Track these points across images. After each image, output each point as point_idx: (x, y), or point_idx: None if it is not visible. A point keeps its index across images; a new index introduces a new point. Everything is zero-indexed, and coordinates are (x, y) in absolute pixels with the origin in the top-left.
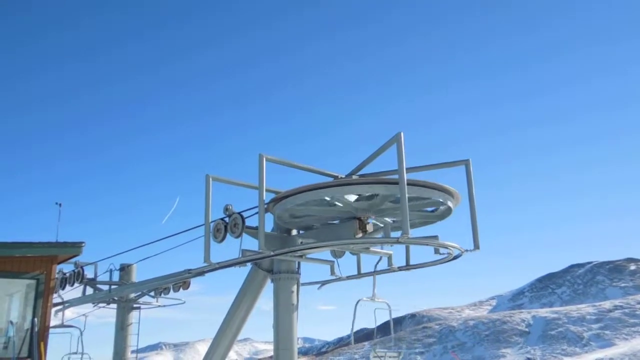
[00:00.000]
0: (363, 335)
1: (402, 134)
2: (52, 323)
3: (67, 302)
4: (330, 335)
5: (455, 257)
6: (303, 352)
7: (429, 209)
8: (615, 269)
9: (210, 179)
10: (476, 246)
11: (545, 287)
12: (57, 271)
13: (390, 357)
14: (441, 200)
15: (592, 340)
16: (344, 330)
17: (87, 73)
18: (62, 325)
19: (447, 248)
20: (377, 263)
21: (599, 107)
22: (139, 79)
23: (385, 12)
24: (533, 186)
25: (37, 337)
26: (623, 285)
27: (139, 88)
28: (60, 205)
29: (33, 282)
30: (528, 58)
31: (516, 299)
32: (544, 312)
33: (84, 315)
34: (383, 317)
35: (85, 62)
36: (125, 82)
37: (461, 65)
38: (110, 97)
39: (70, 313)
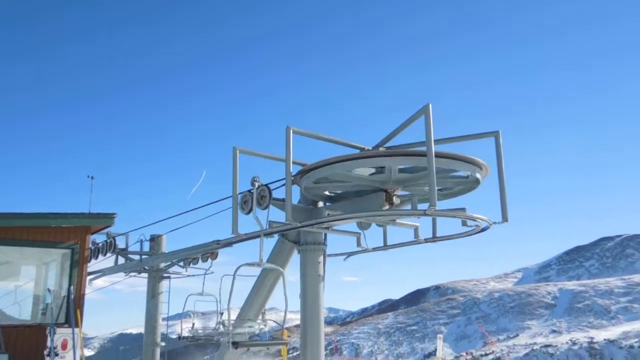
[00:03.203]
0: (388, 306)
1: (430, 105)
2: (86, 291)
3: (100, 271)
4: (354, 306)
5: (483, 230)
6: (328, 322)
7: (443, 187)
8: None
9: (238, 152)
10: (505, 219)
11: (573, 260)
12: (90, 241)
13: None
14: (469, 172)
15: (619, 314)
16: (368, 301)
17: (120, 44)
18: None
19: (475, 220)
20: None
21: (634, 79)
22: (169, 50)
23: None
24: (563, 157)
25: (74, 304)
26: None
27: (167, 59)
28: (92, 178)
29: (68, 251)
30: (564, 28)
31: (543, 272)
32: (571, 285)
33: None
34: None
35: (118, 34)
36: (155, 54)
37: (493, 35)
38: (139, 69)
39: (102, 282)
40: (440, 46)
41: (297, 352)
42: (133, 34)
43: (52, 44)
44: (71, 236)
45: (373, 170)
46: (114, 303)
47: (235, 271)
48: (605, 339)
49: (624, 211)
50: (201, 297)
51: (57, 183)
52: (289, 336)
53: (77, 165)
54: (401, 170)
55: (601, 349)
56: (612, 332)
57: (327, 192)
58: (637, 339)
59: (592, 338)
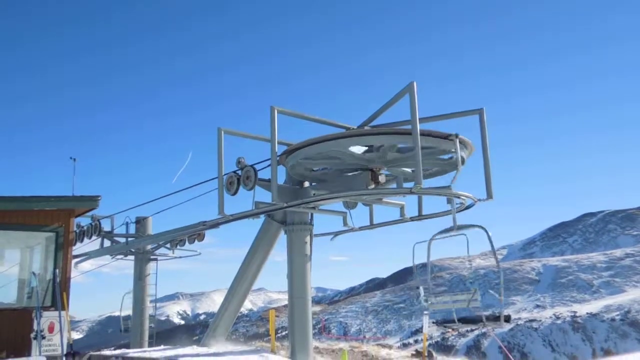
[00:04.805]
0: (375, 285)
1: (414, 83)
2: (72, 274)
3: (86, 253)
4: (342, 285)
5: (468, 207)
6: (316, 301)
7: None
8: (627, 217)
9: (223, 132)
10: (489, 196)
11: (557, 236)
12: (75, 224)
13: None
14: (454, 150)
15: (601, 288)
16: (356, 280)
17: (103, 32)
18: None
19: (459, 198)
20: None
21: (620, 69)
22: (155, 38)
23: None
24: (547, 136)
25: (60, 287)
26: (635, 233)
27: (153, 48)
28: (74, 160)
29: (52, 234)
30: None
31: (527, 248)
32: (555, 260)
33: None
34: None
35: (101, 21)
36: (140, 42)
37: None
38: (125, 57)
39: (89, 265)
40: (423, 16)
41: (286, 332)
42: (116, 21)
43: (34, 32)
44: (55, 219)
45: (364, 149)
46: (101, 286)
47: (430, 241)
48: (587, 313)
49: (607, 187)
50: (130, 295)
51: (38, 171)
52: (277, 316)
53: (58, 146)
54: (378, 149)
55: (584, 322)
56: (595, 306)
57: (312, 169)
58: (618, 312)
59: (575, 312)
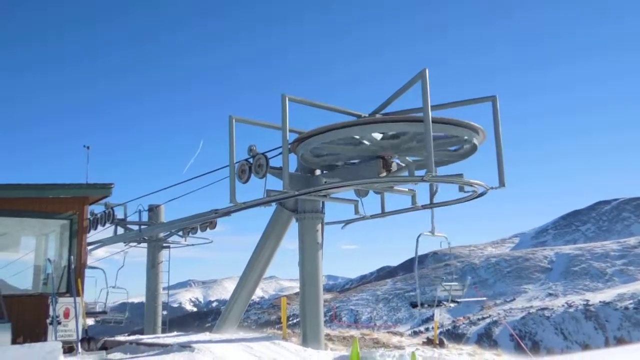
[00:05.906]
0: (386, 273)
1: (426, 70)
2: (87, 261)
3: (100, 241)
4: (353, 273)
5: (480, 195)
6: (327, 289)
7: (452, 148)
8: None
9: (234, 120)
10: (501, 183)
11: (570, 224)
12: (88, 212)
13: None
14: (466, 137)
15: (615, 276)
16: (367, 268)
17: (119, 28)
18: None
19: (471, 186)
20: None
21: (633, 44)
22: (164, 36)
23: None
24: (560, 122)
25: (74, 273)
26: None
27: (167, 45)
28: (88, 148)
29: (67, 222)
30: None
31: (539, 237)
32: (567, 249)
33: (123, 251)
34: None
35: (118, 18)
36: (152, 38)
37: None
38: (139, 53)
39: (102, 252)
40: (437, 13)
41: (297, 319)
42: (132, 19)
43: (57, 27)
44: (69, 207)
45: (378, 136)
46: (114, 273)
47: (417, 239)
48: (600, 301)
49: (621, 175)
50: (113, 290)
51: (55, 162)
52: (288, 303)
53: (70, 131)
54: (391, 137)
55: (596, 310)
56: (608, 294)
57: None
58: (632, 301)
59: (587, 301)
